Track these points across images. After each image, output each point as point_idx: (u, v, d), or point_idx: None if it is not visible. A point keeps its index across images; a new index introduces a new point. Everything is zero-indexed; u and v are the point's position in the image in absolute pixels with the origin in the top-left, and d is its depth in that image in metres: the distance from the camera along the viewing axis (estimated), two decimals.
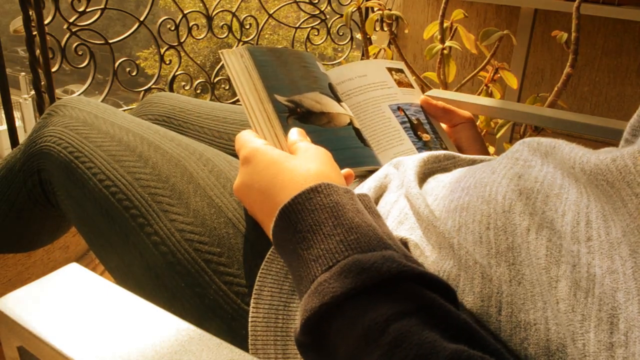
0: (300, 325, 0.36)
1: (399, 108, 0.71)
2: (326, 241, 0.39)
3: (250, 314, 0.47)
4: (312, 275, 0.38)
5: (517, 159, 0.44)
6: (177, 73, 1.69)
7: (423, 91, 0.81)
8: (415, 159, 0.54)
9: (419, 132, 0.69)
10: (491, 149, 1.31)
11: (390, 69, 0.76)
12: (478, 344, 0.32)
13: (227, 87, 1.81)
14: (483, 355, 0.30)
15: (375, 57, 1.65)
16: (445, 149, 0.70)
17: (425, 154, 0.55)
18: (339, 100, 0.66)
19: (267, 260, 0.49)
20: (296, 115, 0.60)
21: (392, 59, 1.61)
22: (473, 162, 0.56)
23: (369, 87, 0.71)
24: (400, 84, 0.74)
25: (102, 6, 1.49)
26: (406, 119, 0.70)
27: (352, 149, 0.61)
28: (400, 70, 0.77)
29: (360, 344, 0.32)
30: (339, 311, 0.35)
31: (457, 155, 0.57)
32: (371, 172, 0.61)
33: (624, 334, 0.30)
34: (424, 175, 0.53)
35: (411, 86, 0.76)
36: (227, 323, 0.49)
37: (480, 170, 0.46)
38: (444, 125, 0.75)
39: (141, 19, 1.57)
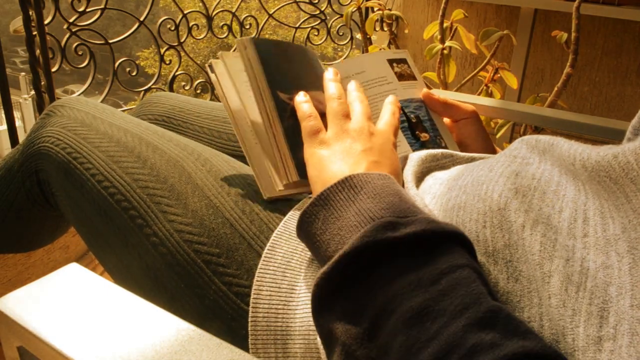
0: (350, 248, 0.37)
1: None
2: (394, 204, 0.41)
3: (250, 315, 0.47)
4: (379, 215, 0.40)
5: (514, 157, 0.44)
6: (177, 73, 1.69)
7: None
8: (413, 158, 0.54)
9: (417, 132, 0.68)
10: None
11: (391, 61, 0.73)
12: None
13: None
14: (521, 319, 0.32)
15: None
16: (445, 146, 0.69)
17: (424, 153, 0.55)
18: None
19: (264, 259, 0.49)
20: (292, 113, 0.58)
21: None
22: (472, 160, 0.56)
23: (367, 84, 0.69)
24: (401, 77, 0.71)
25: (102, 6, 1.49)
26: (404, 118, 0.69)
27: None
28: (403, 61, 0.74)
29: (409, 285, 0.34)
30: (395, 256, 0.37)
31: (456, 153, 0.56)
32: None
33: (613, 327, 0.30)
34: (422, 174, 0.53)
35: (414, 77, 0.73)
36: (227, 323, 0.49)
37: (478, 168, 0.46)
38: (447, 120, 0.73)
39: (141, 19, 1.57)
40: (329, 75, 0.59)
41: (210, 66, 0.60)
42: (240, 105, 0.58)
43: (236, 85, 0.59)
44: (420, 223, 0.38)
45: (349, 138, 0.51)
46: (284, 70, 0.60)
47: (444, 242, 0.37)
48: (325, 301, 0.38)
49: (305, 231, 0.45)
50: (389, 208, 0.40)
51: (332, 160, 0.49)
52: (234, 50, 0.59)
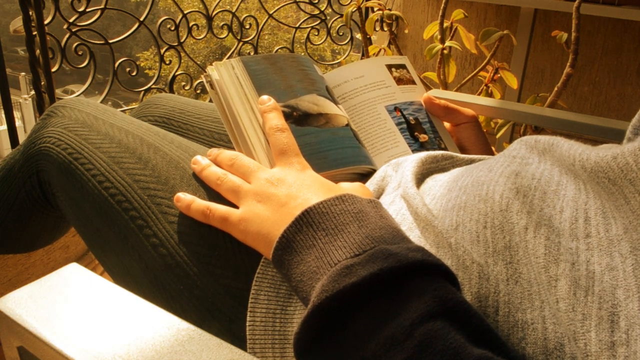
0: (312, 307, 0.35)
1: (395, 108, 0.70)
2: (352, 237, 0.40)
3: (248, 319, 0.47)
4: (335, 259, 0.38)
5: (514, 157, 0.44)
6: (177, 73, 1.69)
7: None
8: (413, 160, 0.54)
9: (416, 133, 0.68)
10: None
11: (390, 66, 0.74)
12: (499, 349, 0.32)
13: None
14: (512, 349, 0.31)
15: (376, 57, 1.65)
16: (445, 148, 0.69)
17: (423, 154, 0.55)
18: (336, 103, 0.65)
19: (262, 264, 0.49)
20: (292, 119, 0.59)
21: None
22: (471, 162, 0.56)
23: (365, 88, 0.70)
24: (400, 81, 0.72)
25: (102, 6, 1.49)
26: (403, 120, 0.69)
27: (351, 148, 0.61)
28: (402, 66, 0.75)
29: (385, 345, 0.32)
30: (361, 307, 0.35)
31: (455, 155, 0.56)
32: (370, 172, 0.61)
33: (625, 332, 0.30)
34: (422, 176, 0.53)
35: (412, 82, 0.74)
36: (226, 326, 0.49)
37: (478, 169, 0.46)
38: (447, 124, 0.73)
39: (141, 19, 1.57)
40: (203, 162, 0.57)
41: (207, 79, 0.61)
42: (236, 113, 0.59)
43: (230, 93, 0.59)
44: (376, 260, 0.36)
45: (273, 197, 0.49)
46: (276, 81, 0.62)
47: (410, 278, 0.35)
48: (305, 358, 0.37)
49: (280, 274, 0.46)
50: (345, 246, 0.39)
51: (269, 224, 0.48)
52: (227, 59, 0.61)
